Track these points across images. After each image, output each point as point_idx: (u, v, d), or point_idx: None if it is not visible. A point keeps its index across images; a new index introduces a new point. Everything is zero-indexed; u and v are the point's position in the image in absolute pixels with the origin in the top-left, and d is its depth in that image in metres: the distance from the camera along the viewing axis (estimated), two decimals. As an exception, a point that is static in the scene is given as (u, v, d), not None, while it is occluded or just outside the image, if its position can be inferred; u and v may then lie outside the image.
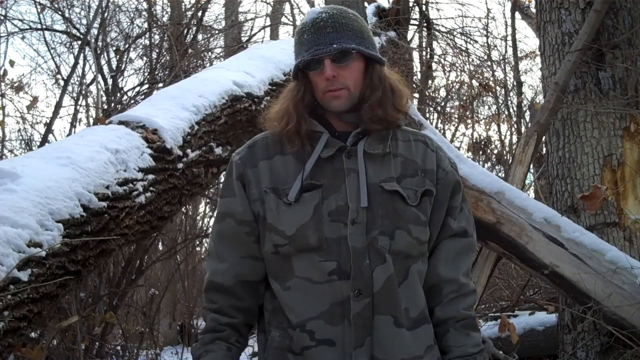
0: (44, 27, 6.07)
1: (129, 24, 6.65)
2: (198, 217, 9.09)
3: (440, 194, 1.62)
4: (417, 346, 1.54)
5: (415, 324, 1.54)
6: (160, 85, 5.55)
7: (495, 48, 10.92)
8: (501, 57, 9.41)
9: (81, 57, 5.44)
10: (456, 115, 9.65)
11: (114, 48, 6.32)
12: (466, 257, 1.66)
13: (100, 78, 5.70)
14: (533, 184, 7.39)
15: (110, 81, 5.96)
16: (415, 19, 7.25)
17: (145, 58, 6.52)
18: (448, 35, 7.92)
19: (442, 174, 1.64)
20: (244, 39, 7.80)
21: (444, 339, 1.59)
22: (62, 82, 5.91)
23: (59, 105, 4.96)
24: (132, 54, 6.62)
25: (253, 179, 1.60)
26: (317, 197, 1.53)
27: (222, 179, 1.75)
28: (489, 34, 10.38)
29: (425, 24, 7.43)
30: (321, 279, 1.50)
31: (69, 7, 6.19)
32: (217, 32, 7.85)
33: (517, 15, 8.99)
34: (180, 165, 2.85)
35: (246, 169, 1.62)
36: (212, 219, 1.69)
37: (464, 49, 8.06)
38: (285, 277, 1.55)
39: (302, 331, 1.51)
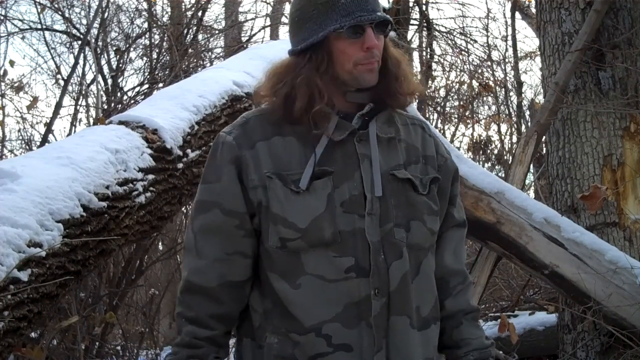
0: (44, 27, 6.06)
1: (129, 24, 6.65)
2: (198, 217, 9.06)
3: (443, 182, 1.53)
4: (429, 348, 1.47)
5: (425, 324, 1.46)
6: (160, 85, 5.54)
7: (495, 48, 10.94)
8: (501, 57, 9.43)
9: (81, 57, 5.44)
10: (456, 115, 9.66)
11: (114, 48, 6.31)
12: (464, 247, 1.61)
13: (100, 78, 5.69)
14: (533, 184, 7.39)
15: (110, 81, 5.96)
16: (415, 19, 7.25)
17: (145, 58, 6.52)
18: (448, 35, 7.93)
19: (442, 160, 1.55)
20: (244, 39, 7.79)
21: (455, 331, 1.52)
22: (62, 82, 5.91)
23: (59, 105, 4.95)
24: (132, 54, 6.62)
25: (252, 162, 1.41)
26: (329, 185, 1.38)
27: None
28: (489, 34, 10.41)
29: (425, 24, 7.43)
30: (336, 276, 1.36)
31: (69, 7, 6.19)
32: (217, 32, 7.84)
33: (517, 15, 8.99)
34: (180, 165, 2.85)
35: (242, 151, 1.42)
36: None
37: (464, 48, 8.06)
38: (294, 275, 1.38)
39: (318, 335, 1.36)
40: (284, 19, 9.36)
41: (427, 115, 8.72)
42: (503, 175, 7.79)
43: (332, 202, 1.38)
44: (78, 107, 5.43)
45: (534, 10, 6.58)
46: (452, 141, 9.12)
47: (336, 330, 1.36)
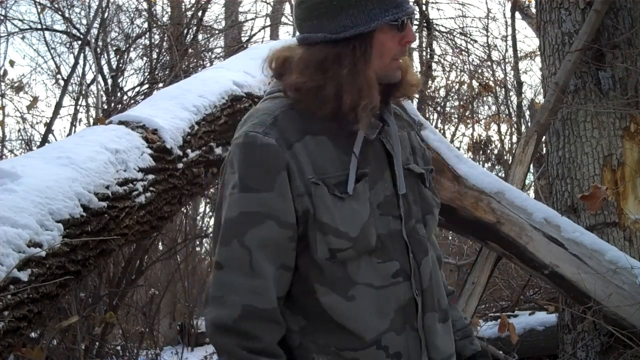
0: (44, 27, 6.07)
1: (129, 24, 6.66)
2: (198, 217, 9.10)
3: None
4: (452, 339, 1.47)
5: (447, 315, 1.45)
6: (160, 85, 5.55)
7: (495, 48, 10.94)
8: (501, 57, 9.43)
9: (81, 57, 5.45)
10: (456, 115, 9.66)
11: (114, 48, 6.32)
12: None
13: (100, 78, 5.70)
14: (533, 184, 7.39)
15: (110, 81, 5.96)
16: (415, 19, 7.25)
17: (145, 58, 6.52)
18: (448, 35, 7.93)
19: (422, 150, 1.53)
20: (244, 39, 7.80)
21: None
22: (62, 82, 5.92)
23: (59, 105, 4.96)
24: (132, 54, 6.63)
25: (295, 167, 1.28)
26: (366, 187, 1.31)
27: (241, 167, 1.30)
28: (489, 34, 10.42)
29: (425, 24, 7.43)
30: (383, 282, 1.31)
31: (69, 7, 6.19)
32: (217, 32, 7.84)
33: (517, 15, 8.99)
34: (180, 165, 2.85)
35: (286, 155, 1.27)
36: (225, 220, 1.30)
37: (464, 49, 8.07)
38: (345, 286, 1.29)
39: (379, 348, 1.29)
40: (284, 19, 9.37)
41: (427, 115, 8.73)
42: (503, 175, 7.79)
43: (372, 205, 1.32)
44: (78, 107, 5.44)
45: (534, 10, 6.58)
46: (452, 141, 9.12)
47: (391, 340, 1.31)
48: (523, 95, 9.25)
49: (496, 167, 9.36)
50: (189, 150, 2.91)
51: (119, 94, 5.83)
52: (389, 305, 1.31)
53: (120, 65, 6.13)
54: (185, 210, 6.61)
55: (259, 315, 1.24)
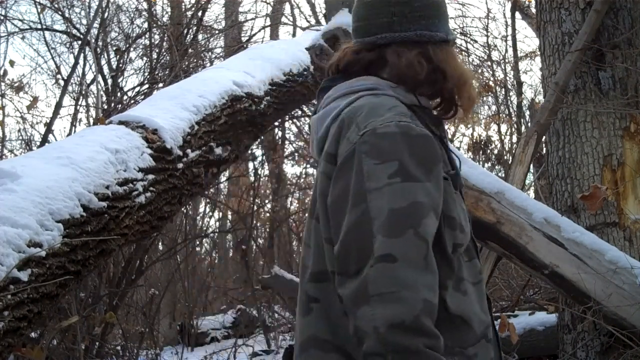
0: (44, 27, 6.08)
1: (129, 24, 6.66)
2: (198, 217, 9.11)
3: None
4: None
5: None
6: (160, 85, 5.55)
7: (495, 48, 10.94)
8: (501, 57, 9.43)
9: (81, 57, 5.45)
10: (456, 115, 9.64)
11: (114, 48, 6.32)
12: None
13: (100, 78, 5.71)
14: (533, 184, 7.39)
15: (110, 81, 5.97)
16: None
17: (145, 58, 6.53)
18: (448, 35, 7.91)
19: None
20: (244, 39, 7.80)
21: None
22: (62, 82, 5.92)
23: (59, 105, 4.96)
24: (132, 54, 6.64)
25: None
26: None
27: (389, 158, 1.21)
28: (489, 34, 10.41)
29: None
30: (475, 279, 1.33)
31: (69, 7, 6.20)
32: (217, 32, 7.85)
33: (517, 15, 8.99)
34: (180, 165, 2.85)
35: None
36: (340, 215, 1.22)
37: (464, 49, 8.07)
38: (460, 281, 1.28)
39: (487, 341, 1.30)
40: (284, 19, 9.37)
41: (427, 115, 8.71)
42: (503, 175, 7.79)
43: None
44: (78, 107, 5.45)
45: (534, 10, 6.58)
46: (452, 141, 9.12)
47: (490, 332, 1.34)
48: (523, 95, 9.25)
49: (496, 167, 9.36)
50: (189, 150, 2.92)
51: (119, 94, 5.84)
52: (483, 300, 1.34)
53: (120, 65, 6.13)
54: (185, 210, 6.62)
55: (434, 312, 1.15)
